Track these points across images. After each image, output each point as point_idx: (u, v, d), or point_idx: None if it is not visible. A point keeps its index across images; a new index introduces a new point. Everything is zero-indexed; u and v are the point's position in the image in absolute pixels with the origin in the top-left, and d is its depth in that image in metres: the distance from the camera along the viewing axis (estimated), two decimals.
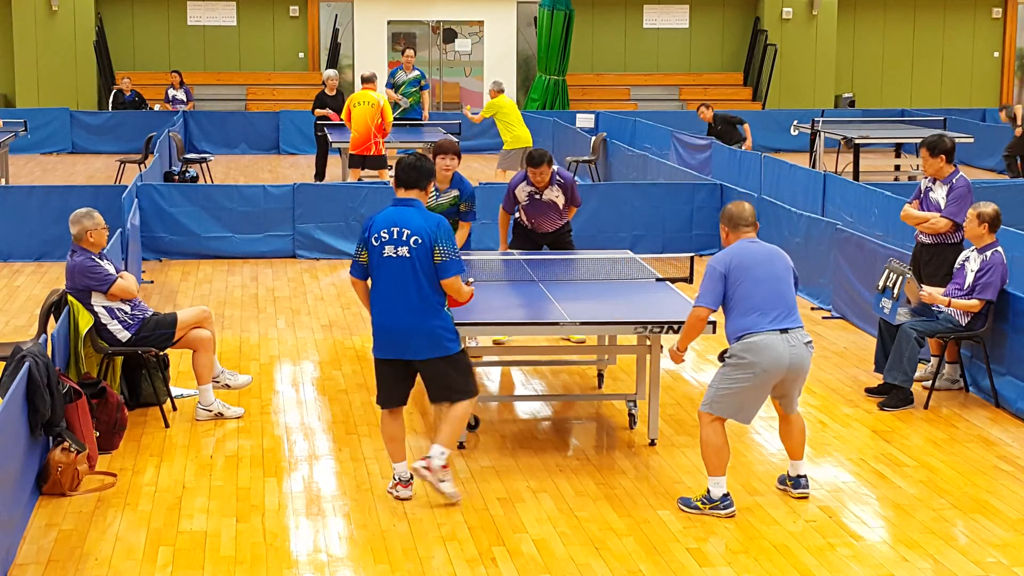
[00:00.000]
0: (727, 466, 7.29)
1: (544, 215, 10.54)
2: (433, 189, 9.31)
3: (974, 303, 9.12)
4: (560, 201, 10.47)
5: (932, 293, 9.29)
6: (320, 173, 19.87)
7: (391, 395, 7.37)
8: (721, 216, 7.42)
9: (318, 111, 19.91)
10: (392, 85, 20.61)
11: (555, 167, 10.46)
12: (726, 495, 7.24)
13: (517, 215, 10.69)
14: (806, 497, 7.50)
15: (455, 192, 10.01)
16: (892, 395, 9.26)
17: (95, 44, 27.51)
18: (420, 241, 7.14)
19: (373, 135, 16.83)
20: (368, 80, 17.78)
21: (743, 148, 19.32)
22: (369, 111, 16.81)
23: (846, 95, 29.86)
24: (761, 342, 7.06)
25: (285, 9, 29.45)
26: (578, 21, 28.75)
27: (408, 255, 7.14)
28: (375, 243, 7.21)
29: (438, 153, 9.89)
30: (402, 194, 7.33)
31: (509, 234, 10.76)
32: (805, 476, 7.57)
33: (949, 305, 9.20)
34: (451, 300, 7.37)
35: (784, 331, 7.10)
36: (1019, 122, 19.92)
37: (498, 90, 18.27)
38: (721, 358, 7.27)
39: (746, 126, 20.07)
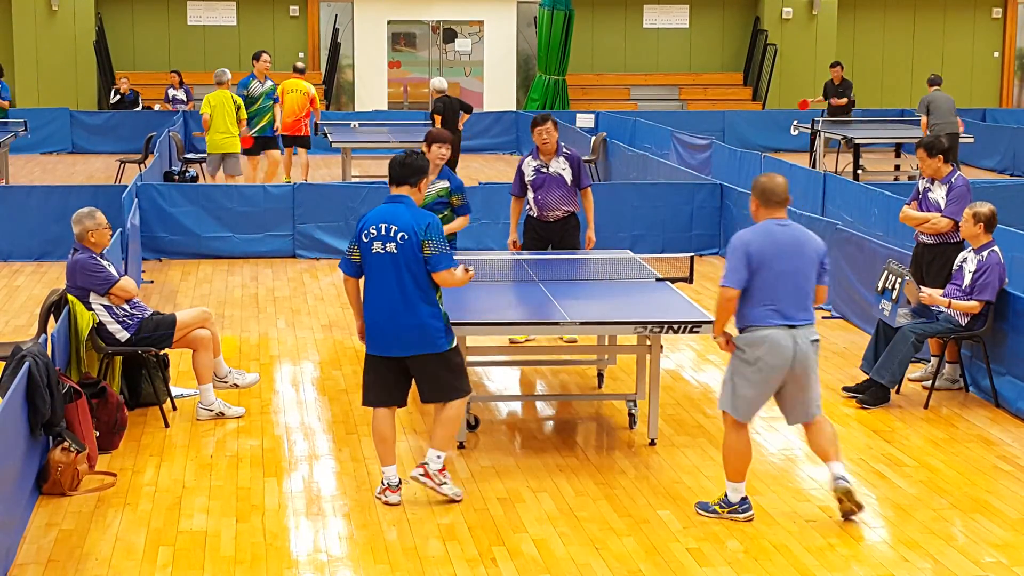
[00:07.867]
0: (748, 472, 7.16)
1: (551, 192, 10.43)
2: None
3: (973, 304, 9.12)
4: (567, 176, 10.42)
5: (932, 294, 9.29)
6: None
7: (381, 393, 7.34)
8: (753, 187, 7.07)
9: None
10: (246, 98, 17.41)
11: (562, 142, 10.56)
12: (744, 498, 7.16)
13: (528, 208, 10.59)
14: (848, 491, 7.05)
15: (444, 183, 9.72)
16: (870, 393, 9.27)
17: (95, 44, 27.50)
18: (407, 237, 7.15)
19: (303, 119, 18.54)
20: (300, 71, 20.15)
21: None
22: (300, 98, 18.54)
23: None
24: (766, 336, 6.85)
25: (285, 9, 29.44)
26: (578, 21, 28.74)
27: (395, 251, 7.16)
28: (365, 240, 7.26)
29: (434, 141, 9.69)
30: (394, 191, 7.38)
31: (520, 229, 10.70)
32: (843, 477, 7.12)
33: (949, 306, 9.20)
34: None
35: (792, 327, 6.88)
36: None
37: None
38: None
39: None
